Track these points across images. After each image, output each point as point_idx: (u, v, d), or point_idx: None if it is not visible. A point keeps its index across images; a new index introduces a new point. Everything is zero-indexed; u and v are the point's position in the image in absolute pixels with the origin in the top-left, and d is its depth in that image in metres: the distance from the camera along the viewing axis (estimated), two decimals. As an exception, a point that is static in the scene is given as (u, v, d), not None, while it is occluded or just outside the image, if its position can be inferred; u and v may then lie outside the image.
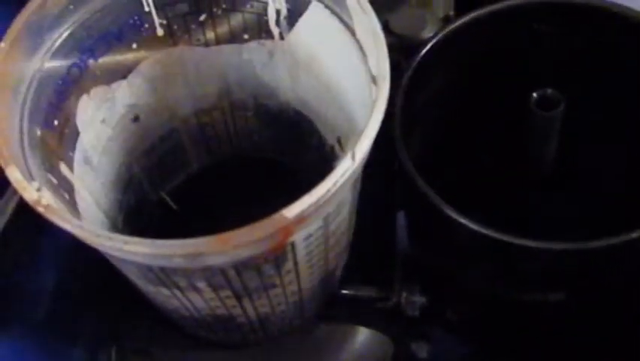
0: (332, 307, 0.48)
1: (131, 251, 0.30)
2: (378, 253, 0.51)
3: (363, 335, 0.48)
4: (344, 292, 0.48)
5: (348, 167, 0.31)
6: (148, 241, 0.30)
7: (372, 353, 0.49)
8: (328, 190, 0.31)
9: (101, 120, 0.41)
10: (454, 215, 0.42)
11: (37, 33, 0.36)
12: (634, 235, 0.38)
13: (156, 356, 0.47)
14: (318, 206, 0.31)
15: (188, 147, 0.50)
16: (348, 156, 0.32)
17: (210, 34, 0.44)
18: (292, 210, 0.30)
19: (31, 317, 0.43)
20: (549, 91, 0.45)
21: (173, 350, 0.47)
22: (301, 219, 0.31)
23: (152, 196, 0.50)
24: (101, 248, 0.32)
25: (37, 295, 0.44)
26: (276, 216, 0.30)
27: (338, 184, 0.31)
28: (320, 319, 0.48)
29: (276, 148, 0.52)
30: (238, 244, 0.30)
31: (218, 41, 0.44)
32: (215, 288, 0.36)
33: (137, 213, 0.47)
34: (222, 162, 0.53)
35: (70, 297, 0.46)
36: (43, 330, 0.44)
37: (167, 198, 0.48)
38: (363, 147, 0.32)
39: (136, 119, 0.44)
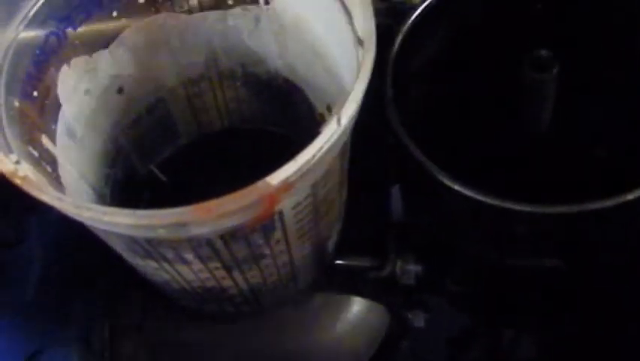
0: (326, 277, 0.47)
1: (112, 222, 0.29)
2: (372, 222, 0.51)
3: (358, 305, 0.48)
4: (338, 262, 0.48)
5: (333, 131, 0.30)
6: (128, 212, 0.29)
7: (367, 323, 0.48)
8: (313, 156, 0.30)
9: (83, 91, 0.40)
10: (447, 181, 0.41)
11: (10, 1, 0.34)
12: (629, 196, 0.37)
13: (150, 332, 0.46)
14: (303, 172, 0.30)
15: (176, 119, 0.49)
16: (334, 120, 0.31)
17: (193, 1, 0.43)
18: (276, 177, 0.29)
19: (19, 296, 0.43)
20: (543, 52, 0.44)
21: (167, 326, 0.47)
22: (287, 186, 0.30)
23: (141, 170, 0.49)
24: (81, 220, 0.31)
25: (25, 274, 0.43)
26: (259, 184, 0.29)
27: (323, 149, 0.30)
28: (314, 289, 0.47)
29: (266, 119, 0.51)
30: (221, 212, 0.29)
31: (202, 8, 0.43)
32: (203, 260, 0.36)
33: (126, 187, 0.47)
34: (212, 134, 0.52)
35: (60, 275, 0.46)
36: (33, 309, 0.43)
37: (157, 171, 0.48)
38: (348, 110, 0.31)
39: (120, 90, 0.43)
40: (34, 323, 0.43)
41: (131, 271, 0.41)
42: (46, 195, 0.29)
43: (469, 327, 0.59)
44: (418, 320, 0.51)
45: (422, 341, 0.56)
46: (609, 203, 0.37)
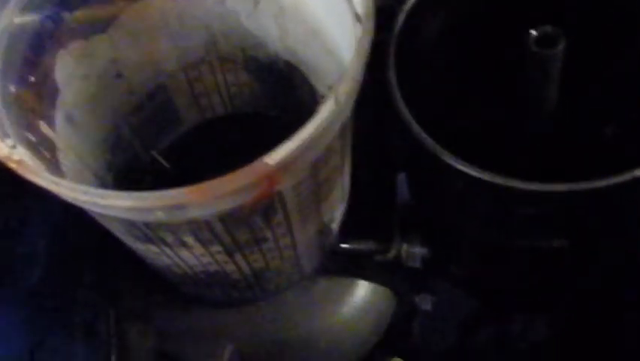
0: (331, 261, 0.47)
1: (109, 205, 0.29)
2: (377, 206, 0.50)
3: (364, 288, 0.47)
4: (343, 246, 0.47)
5: (331, 110, 0.30)
6: (125, 194, 0.29)
7: (374, 307, 0.48)
8: (310, 135, 0.29)
9: (82, 76, 0.40)
10: (451, 161, 0.41)
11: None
12: (637, 172, 0.36)
13: (155, 316, 0.46)
14: (302, 151, 0.30)
15: (178, 105, 0.49)
16: (331, 98, 0.30)
17: (190, -16, 0.42)
18: (274, 157, 0.29)
19: (24, 283, 0.43)
20: (549, 28, 0.43)
21: (173, 313, 0.47)
22: (285, 165, 0.30)
23: (143, 156, 0.49)
24: (79, 204, 0.31)
25: (29, 262, 0.43)
26: (256, 163, 0.29)
27: (321, 128, 0.30)
28: (319, 274, 0.47)
29: (268, 103, 0.50)
30: (218, 193, 0.29)
31: (200, -10, 0.42)
32: (204, 243, 0.35)
33: (128, 174, 0.46)
34: (215, 119, 0.52)
35: (64, 263, 0.46)
36: (37, 296, 0.43)
37: (159, 157, 0.47)
38: (346, 88, 0.31)
39: (119, 75, 0.43)
40: (39, 310, 0.43)
41: (135, 258, 0.41)
42: (42, 179, 0.29)
43: (477, 310, 0.58)
44: (425, 303, 0.51)
45: (431, 324, 0.56)
46: (614, 180, 0.36)
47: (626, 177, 0.37)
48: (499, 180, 0.39)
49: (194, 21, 0.44)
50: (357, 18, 0.33)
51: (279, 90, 0.49)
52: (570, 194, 0.39)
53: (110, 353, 0.44)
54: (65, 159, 0.38)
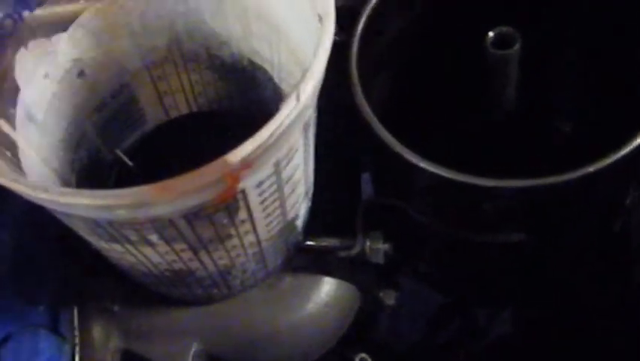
0: (296, 258, 0.48)
1: (70, 203, 0.29)
2: (341, 203, 0.51)
3: (328, 284, 0.48)
4: (308, 243, 0.48)
5: (292, 107, 0.30)
6: (86, 192, 0.29)
7: (338, 302, 0.48)
8: (272, 133, 0.30)
9: (43, 75, 0.40)
10: (413, 159, 0.42)
11: (-38, -18, 0.34)
12: (589, 168, 0.38)
13: (120, 314, 0.46)
14: (264, 149, 0.30)
15: (142, 104, 0.49)
16: (293, 96, 0.31)
17: (154, -17, 0.42)
18: (236, 155, 0.29)
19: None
20: (505, 29, 0.44)
21: (138, 309, 0.47)
22: (247, 163, 0.30)
23: (106, 156, 0.48)
24: (40, 203, 0.31)
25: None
26: (218, 161, 0.29)
27: (283, 126, 0.30)
28: (284, 270, 0.47)
29: (232, 102, 0.51)
30: (181, 191, 0.29)
31: (162, -11, 0.42)
32: (168, 241, 0.35)
33: (91, 173, 0.46)
34: (179, 118, 0.52)
35: (30, 258, 0.45)
36: (2, 291, 0.43)
37: (122, 155, 0.47)
38: (307, 86, 0.31)
39: (81, 74, 0.42)
40: (3, 309, 0.43)
41: (100, 256, 0.41)
42: (3, 177, 0.29)
43: (441, 305, 0.60)
44: (389, 298, 0.51)
45: (395, 319, 0.57)
46: (569, 176, 0.38)
47: (580, 172, 0.38)
48: (459, 176, 0.40)
49: (158, 20, 0.44)
50: (319, 18, 0.34)
51: (242, 88, 0.49)
52: (527, 189, 0.40)
53: (75, 351, 0.43)
54: (26, 158, 0.38)
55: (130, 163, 0.47)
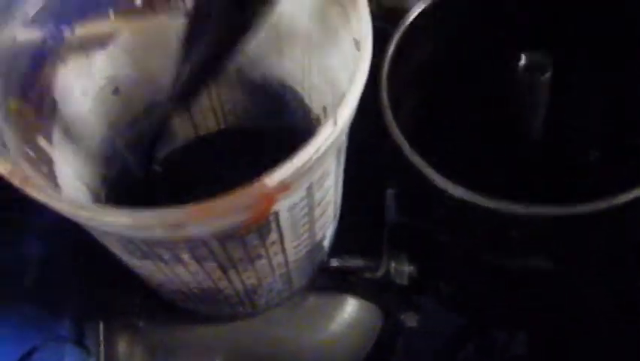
0: (321, 278, 0.48)
1: (110, 222, 0.29)
2: (366, 223, 0.51)
3: (352, 305, 0.48)
4: (333, 263, 0.48)
5: (330, 132, 0.31)
6: (126, 211, 0.29)
7: (361, 323, 0.48)
8: (310, 157, 0.30)
9: (80, 92, 0.41)
10: (441, 183, 0.42)
11: (8, 2, 0.35)
12: (620, 199, 0.37)
13: (145, 330, 0.46)
14: (300, 173, 0.31)
15: (172, 120, 0.50)
16: (330, 121, 0.31)
17: (190, 4, 0.43)
18: (273, 178, 0.30)
19: (15, 294, 0.43)
20: (538, 55, 0.44)
21: (163, 325, 0.47)
22: (283, 187, 0.31)
23: (137, 171, 0.49)
24: (78, 220, 0.31)
25: (21, 273, 0.43)
26: (256, 184, 0.29)
27: (320, 151, 0.31)
28: (309, 290, 0.47)
29: (262, 120, 0.51)
30: (218, 212, 0.30)
31: (199, 10, 0.43)
32: (199, 260, 0.36)
33: (121, 188, 0.47)
34: (209, 135, 0.52)
35: (56, 272, 0.46)
36: (28, 307, 0.43)
37: (158, 168, 0.47)
38: (345, 111, 0.31)
39: (116, 91, 0.43)
40: (30, 321, 0.43)
41: (127, 271, 0.41)
42: (45, 195, 0.29)
43: (461, 327, 0.59)
44: (411, 320, 0.51)
45: (416, 340, 0.56)
46: (598, 206, 0.38)
47: (606, 203, 0.38)
48: (487, 202, 0.40)
49: (192, 39, 0.44)
50: (355, 42, 0.34)
51: (272, 108, 0.49)
52: (554, 218, 0.40)
53: (100, 365, 0.44)
54: (61, 173, 0.38)
55: (159, 169, 0.48)
